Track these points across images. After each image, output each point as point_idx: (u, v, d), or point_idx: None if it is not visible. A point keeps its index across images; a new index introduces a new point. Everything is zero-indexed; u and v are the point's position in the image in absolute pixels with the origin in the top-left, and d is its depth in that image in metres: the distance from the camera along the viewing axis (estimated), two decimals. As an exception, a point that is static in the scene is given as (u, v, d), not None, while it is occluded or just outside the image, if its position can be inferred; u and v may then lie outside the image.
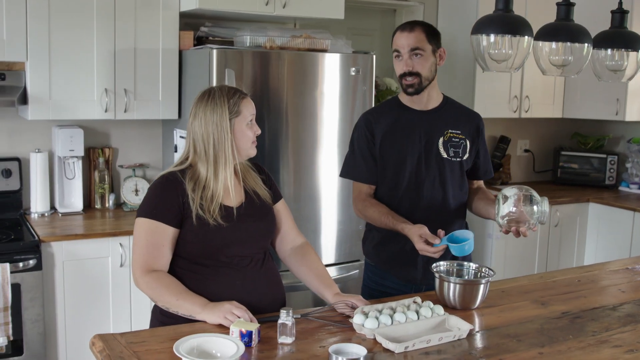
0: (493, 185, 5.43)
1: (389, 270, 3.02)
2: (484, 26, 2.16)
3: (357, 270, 4.14)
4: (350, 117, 4.07)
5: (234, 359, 1.93)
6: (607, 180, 5.57)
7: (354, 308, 2.39)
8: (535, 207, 2.63)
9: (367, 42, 5.23)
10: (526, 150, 5.90)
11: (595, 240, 5.23)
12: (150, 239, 2.37)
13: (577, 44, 2.27)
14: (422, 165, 2.91)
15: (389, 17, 5.37)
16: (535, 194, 2.66)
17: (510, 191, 2.66)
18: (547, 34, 2.28)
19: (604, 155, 5.59)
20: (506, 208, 2.65)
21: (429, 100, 2.95)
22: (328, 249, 4.14)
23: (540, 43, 2.30)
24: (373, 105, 4.10)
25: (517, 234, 2.68)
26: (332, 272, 4.13)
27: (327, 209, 4.11)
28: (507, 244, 4.93)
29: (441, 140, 2.93)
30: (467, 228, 3.07)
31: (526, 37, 2.14)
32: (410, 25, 2.84)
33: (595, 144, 5.79)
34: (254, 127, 2.49)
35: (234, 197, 2.46)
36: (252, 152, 2.51)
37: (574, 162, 5.69)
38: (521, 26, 2.14)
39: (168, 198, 2.39)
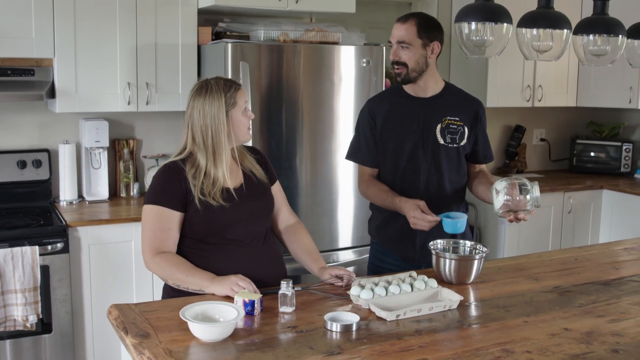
0: (509, 174, 5.53)
1: (389, 248, 3.19)
2: (465, 14, 2.30)
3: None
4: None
5: (234, 322, 2.10)
6: (623, 167, 5.62)
7: (340, 277, 2.56)
8: (528, 196, 2.75)
9: (384, 35, 5.34)
10: (542, 139, 5.96)
11: (609, 226, 5.29)
12: (157, 223, 2.53)
13: (557, 30, 2.39)
14: (420, 150, 3.05)
15: (404, 10, 5.47)
16: (525, 181, 2.79)
17: (500, 184, 2.80)
18: (529, 21, 2.41)
19: (619, 144, 5.62)
20: (500, 200, 2.79)
21: (427, 88, 3.07)
22: (342, 234, 4.29)
23: (523, 30, 2.43)
24: (384, 95, 4.26)
25: (517, 220, 2.81)
26: (347, 255, 4.29)
27: (342, 195, 4.27)
28: (521, 231, 5.01)
29: (439, 127, 3.05)
30: (467, 210, 3.21)
31: (505, 24, 2.27)
32: (404, 18, 2.98)
33: (611, 133, 5.82)
34: (248, 113, 2.64)
35: (233, 179, 2.62)
36: (248, 137, 2.67)
37: (590, 151, 5.75)
38: (500, 14, 2.27)
39: (171, 185, 2.54)
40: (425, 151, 3.05)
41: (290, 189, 4.00)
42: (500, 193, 2.78)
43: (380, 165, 3.15)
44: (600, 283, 2.72)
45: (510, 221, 2.82)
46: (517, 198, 2.74)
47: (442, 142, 3.06)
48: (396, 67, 3.01)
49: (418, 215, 2.83)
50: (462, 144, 3.08)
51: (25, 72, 3.98)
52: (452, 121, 3.06)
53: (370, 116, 3.13)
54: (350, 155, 3.25)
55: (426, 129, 3.05)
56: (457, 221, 2.79)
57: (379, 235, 3.22)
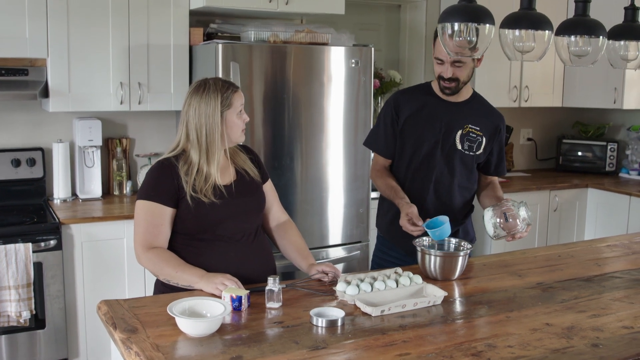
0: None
1: (395, 243, 3.25)
2: (448, 15, 2.34)
3: (359, 252, 4.35)
4: (353, 106, 4.29)
5: (220, 317, 2.14)
6: (608, 167, 5.69)
7: (326, 273, 2.61)
8: (518, 220, 2.83)
9: (374, 37, 5.42)
10: (529, 139, 6.03)
11: (594, 224, 5.36)
12: (149, 219, 2.57)
13: (539, 31, 2.43)
14: (437, 152, 3.11)
15: (394, 12, 5.56)
16: (511, 205, 2.85)
17: (487, 214, 2.88)
18: (511, 22, 2.44)
19: (604, 143, 5.70)
20: (491, 230, 2.87)
21: (458, 94, 3.12)
22: (333, 231, 4.35)
23: (506, 31, 2.47)
24: (372, 95, 4.35)
25: (515, 239, 2.89)
26: (337, 252, 4.36)
27: (332, 192, 4.32)
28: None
29: (459, 132, 3.10)
30: (471, 211, 3.28)
31: (487, 25, 2.31)
32: None
33: (596, 132, 5.90)
34: (243, 116, 2.68)
35: (225, 177, 2.67)
36: (241, 139, 2.70)
37: (576, 150, 5.82)
38: (483, 15, 2.31)
39: (164, 181, 2.59)
40: (442, 153, 3.11)
41: (281, 188, 4.04)
42: (488, 223, 2.85)
43: (395, 158, 3.20)
44: (583, 279, 2.77)
45: (509, 241, 2.90)
46: (507, 223, 2.82)
47: (459, 147, 3.11)
48: (447, 82, 3.03)
49: (404, 224, 2.89)
50: (478, 153, 3.14)
51: (19, 71, 4.02)
52: (473, 130, 3.11)
53: (395, 109, 3.17)
54: (368, 143, 3.31)
55: (447, 133, 3.10)
56: (435, 231, 2.80)
57: (387, 230, 3.29)
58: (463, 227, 3.23)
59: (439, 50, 2.98)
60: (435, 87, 3.15)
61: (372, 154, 3.37)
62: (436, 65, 3.04)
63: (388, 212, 3.24)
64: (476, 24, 2.33)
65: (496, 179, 3.31)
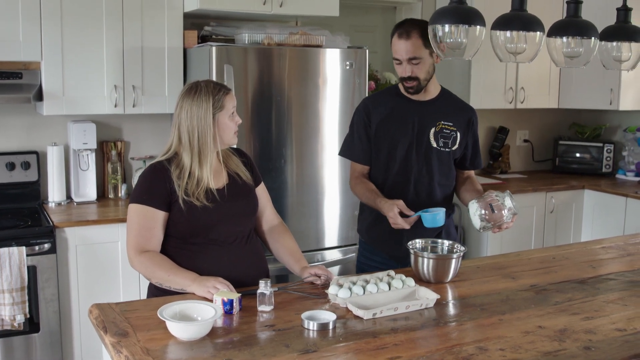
0: (493, 175, 5.60)
1: (377, 248, 3.24)
2: (439, 17, 2.34)
3: (354, 254, 4.33)
4: (348, 108, 4.27)
5: (211, 321, 2.14)
6: (604, 168, 5.68)
7: (318, 276, 2.61)
8: (504, 211, 2.83)
9: (369, 39, 5.41)
10: (525, 140, 6.02)
11: (591, 225, 5.35)
12: (142, 222, 2.58)
13: (530, 33, 2.44)
14: (413, 153, 3.10)
15: (389, 14, 5.54)
16: (494, 196, 2.86)
17: (472, 207, 2.88)
18: (502, 23, 2.45)
19: (600, 144, 5.69)
20: (477, 222, 2.87)
21: (426, 92, 3.11)
22: (328, 233, 4.34)
23: (497, 32, 2.47)
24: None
25: (501, 229, 2.90)
26: (333, 255, 4.35)
27: (327, 195, 4.32)
28: (503, 231, 5.04)
29: (433, 130, 3.10)
30: (453, 212, 3.29)
31: (478, 26, 2.32)
32: (406, 32, 2.96)
33: (593, 134, 5.89)
34: (235, 118, 2.68)
35: (217, 180, 2.67)
36: (234, 141, 2.70)
37: (572, 152, 5.80)
38: (474, 17, 2.32)
39: (156, 185, 2.59)
40: (418, 153, 3.10)
41: (276, 190, 4.05)
42: (474, 216, 2.86)
43: (372, 164, 3.20)
44: (577, 281, 2.77)
45: (495, 232, 2.92)
46: (493, 214, 2.83)
47: (435, 145, 3.11)
48: (408, 82, 3.03)
49: (395, 215, 2.88)
50: (454, 148, 3.14)
51: (13, 75, 4.02)
52: (446, 126, 3.11)
53: (366, 115, 3.17)
54: (343, 152, 3.30)
55: (420, 132, 3.10)
56: (435, 214, 2.84)
57: (367, 235, 3.28)
58: (445, 228, 3.21)
59: (394, 50, 3.01)
60: (402, 88, 3.15)
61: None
62: (396, 66, 3.05)
63: (369, 217, 3.24)
64: (467, 26, 2.33)
65: (473, 173, 3.32)
